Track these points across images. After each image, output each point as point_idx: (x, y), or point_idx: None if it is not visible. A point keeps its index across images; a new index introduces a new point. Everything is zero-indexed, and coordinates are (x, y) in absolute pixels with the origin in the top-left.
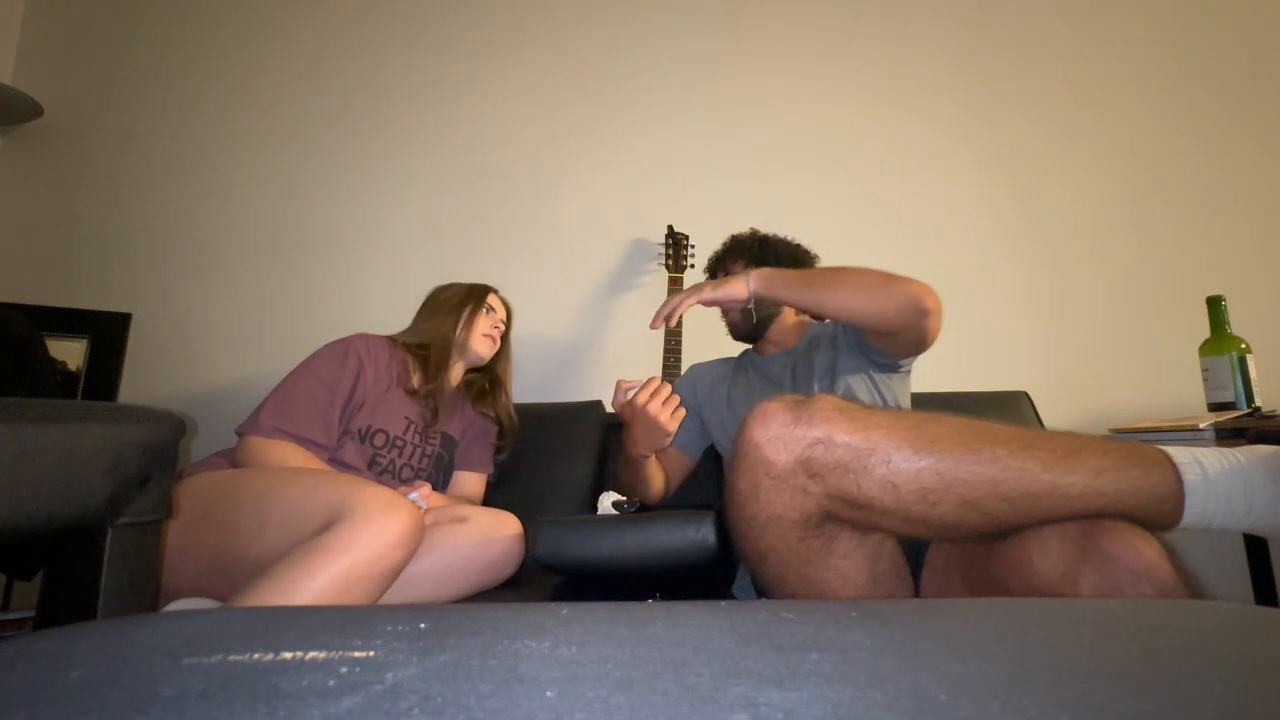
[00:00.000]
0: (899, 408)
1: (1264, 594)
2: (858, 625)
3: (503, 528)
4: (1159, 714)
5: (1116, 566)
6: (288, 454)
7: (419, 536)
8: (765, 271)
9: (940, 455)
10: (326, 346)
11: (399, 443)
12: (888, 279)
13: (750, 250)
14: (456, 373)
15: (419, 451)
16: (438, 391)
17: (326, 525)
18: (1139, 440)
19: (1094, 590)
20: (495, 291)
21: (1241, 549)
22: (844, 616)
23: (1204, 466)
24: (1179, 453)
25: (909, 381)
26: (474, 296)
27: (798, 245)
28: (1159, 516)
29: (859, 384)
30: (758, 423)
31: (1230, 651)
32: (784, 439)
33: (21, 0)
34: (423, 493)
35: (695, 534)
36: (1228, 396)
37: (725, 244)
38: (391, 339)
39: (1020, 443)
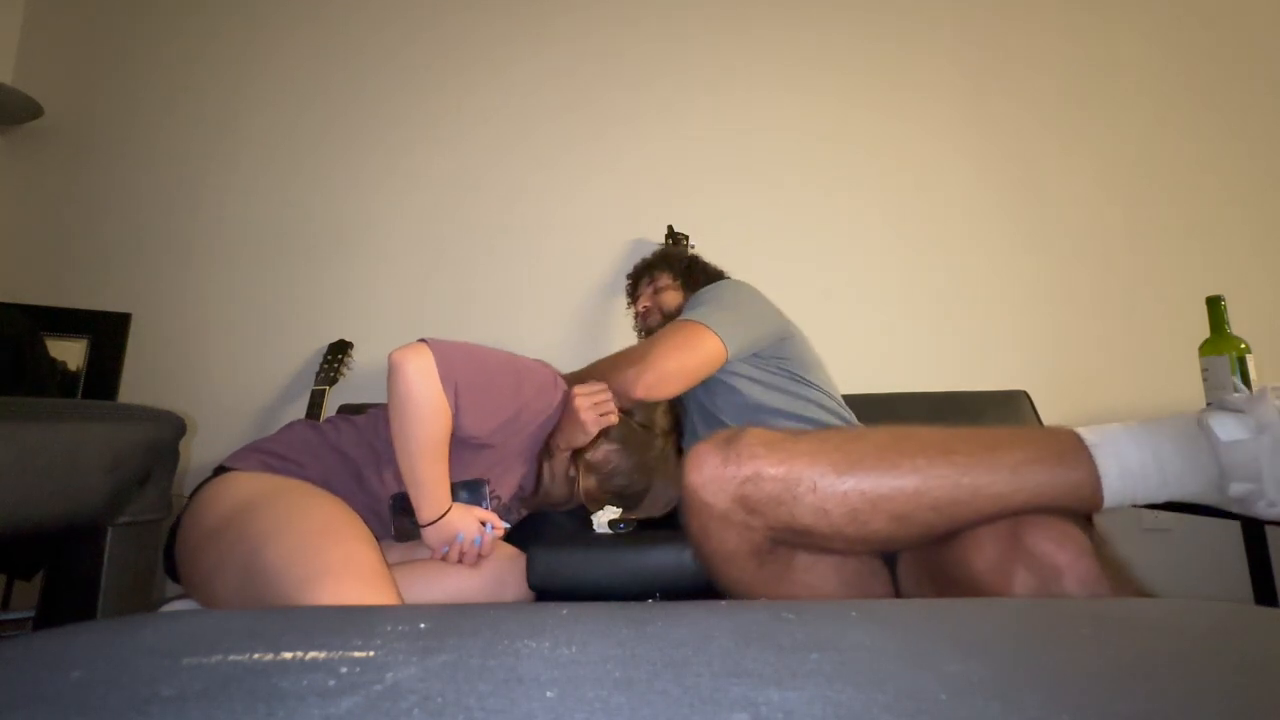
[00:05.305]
0: (826, 428)
1: (1264, 594)
2: (858, 625)
3: (515, 572)
4: (1159, 714)
5: (1041, 563)
6: (436, 409)
7: None
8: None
9: (863, 474)
10: (545, 371)
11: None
12: None
13: (679, 264)
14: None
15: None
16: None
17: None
18: (1060, 426)
19: (1026, 588)
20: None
21: (1241, 548)
22: (844, 616)
23: (1117, 446)
24: (1092, 434)
25: (794, 343)
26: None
27: (720, 270)
28: (1080, 503)
29: (744, 383)
30: (692, 468)
31: (1230, 651)
32: (718, 480)
33: (21, 0)
34: (496, 526)
35: (691, 559)
36: None
37: (655, 254)
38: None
39: (939, 449)
